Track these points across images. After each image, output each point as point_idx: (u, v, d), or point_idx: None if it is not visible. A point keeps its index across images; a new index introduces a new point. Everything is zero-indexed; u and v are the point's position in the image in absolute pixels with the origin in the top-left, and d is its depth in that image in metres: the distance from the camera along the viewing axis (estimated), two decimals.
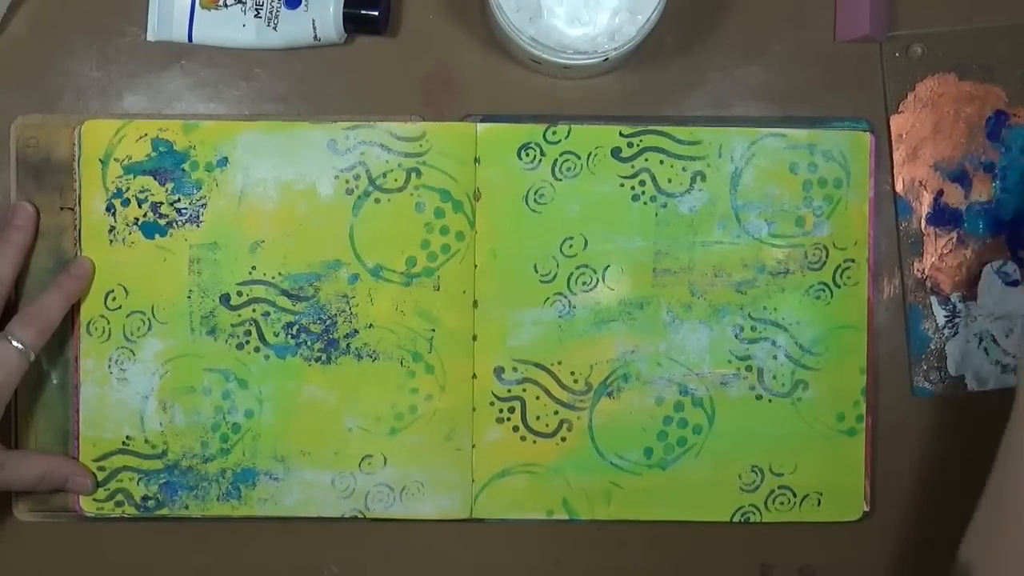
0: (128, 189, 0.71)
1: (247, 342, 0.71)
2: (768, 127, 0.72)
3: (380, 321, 0.72)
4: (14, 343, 0.67)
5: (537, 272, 0.72)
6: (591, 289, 0.72)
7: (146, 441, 0.71)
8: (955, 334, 0.74)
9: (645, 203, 0.72)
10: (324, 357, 0.72)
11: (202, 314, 0.71)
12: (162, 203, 0.71)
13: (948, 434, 0.75)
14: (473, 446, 0.72)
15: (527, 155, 0.72)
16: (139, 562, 0.73)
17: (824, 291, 0.72)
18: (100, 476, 0.71)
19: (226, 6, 0.71)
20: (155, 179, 0.71)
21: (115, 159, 0.71)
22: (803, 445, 0.73)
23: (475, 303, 0.72)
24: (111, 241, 0.71)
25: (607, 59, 0.68)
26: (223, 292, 0.71)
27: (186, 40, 0.72)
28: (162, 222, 0.71)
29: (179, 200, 0.71)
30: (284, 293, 0.71)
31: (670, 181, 0.72)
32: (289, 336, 0.72)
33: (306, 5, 0.70)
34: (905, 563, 0.75)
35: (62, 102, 0.72)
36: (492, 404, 0.72)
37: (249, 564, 0.74)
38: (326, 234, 0.71)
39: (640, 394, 0.72)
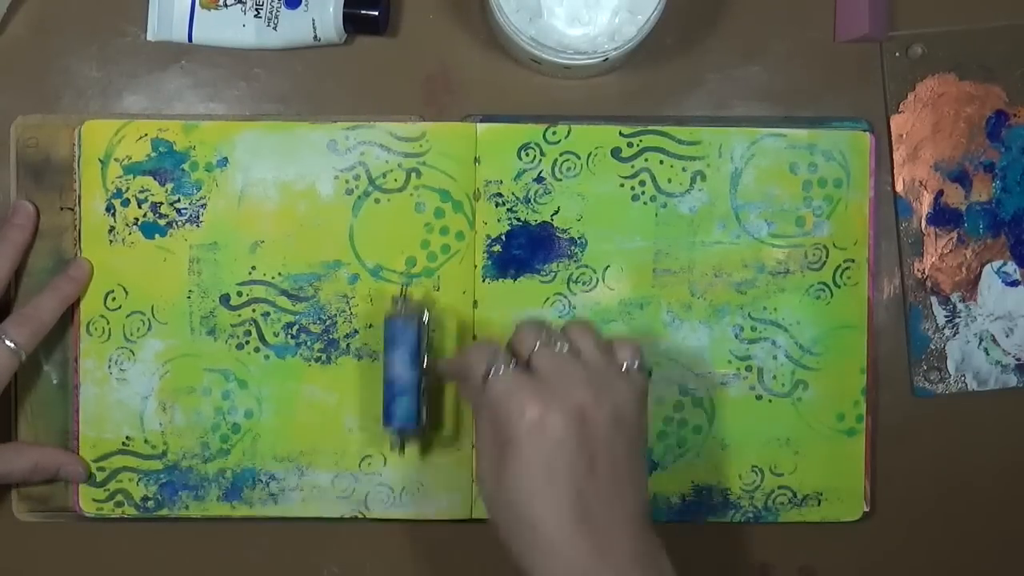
0: (128, 189, 0.71)
1: (247, 342, 0.71)
2: (768, 127, 0.72)
3: (380, 321, 0.71)
4: (7, 342, 0.67)
5: (537, 272, 0.72)
6: (591, 289, 0.72)
7: (146, 441, 0.71)
8: (955, 334, 0.74)
9: (645, 203, 0.72)
10: (324, 357, 0.72)
11: (202, 314, 0.71)
12: (162, 203, 0.71)
13: (948, 434, 0.75)
14: (473, 446, 0.72)
15: (527, 155, 0.72)
16: (139, 562, 0.73)
17: (824, 291, 0.72)
18: (100, 476, 0.71)
19: (226, 6, 0.71)
20: (155, 179, 0.71)
21: (115, 159, 0.71)
22: (803, 445, 0.73)
23: (475, 303, 0.72)
24: (111, 241, 0.71)
25: (607, 59, 0.68)
26: (223, 292, 0.71)
27: (186, 40, 0.72)
28: (162, 222, 0.71)
29: (179, 200, 0.71)
30: (284, 293, 0.71)
31: (670, 181, 0.72)
32: (289, 336, 0.71)
33: (306, 5, 0.70)
34: (905, 563, 0.75)
35: (62, 102, 0.72)
36: None
37: (249, 564, 0.74)
38: (326, 234, 0.71)
39: None
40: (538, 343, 0.62)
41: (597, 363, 0.62)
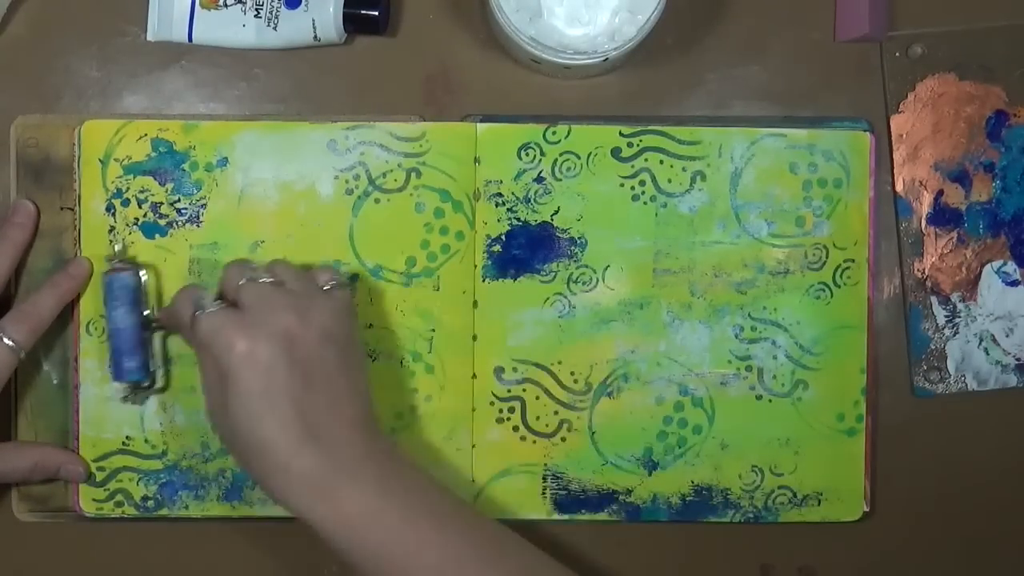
0: (128, 189, 0.71)
1: None
2: (768, 127, 0.72)
3: (380, 321, 0.72)
4: (5, 340, 0.67)
5: (537, 272, 0.72)
6: (591, 289, 0.72)
7: (146, 441, 0.71)
8: (955, 334, 0.74)
9: (645, 203, 0.72)
10: None
11: None
12: (162, 203, 0.71)
13: (948, 434, 0.75)
14: (473, 446, 0.72)
15: (527, 155, 0.72)
16: (139, 562, 0.73)
17: (824, 291, 0.72)
18: (100, 476, 0.71)
19: (226, 6, 0.71)
20: (155, 179, 0.71)
21: (115, 159, 0.71)
22: (803, 445, 0.73)
23: (475, 303, 0.72)
24: (111, 241, 0.71)
25: (607, 59, 0.68)
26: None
27: (186, 40, 0.72)
28: (162, 222, 0.71)
29: (179, 200, 0.71)
30: None
31: (670, 181, 0.72)
32: None
33: (306, 5, 0.70)
34: (905, 563, 0.75)
35: (62, 102, 0.72)
36: (492, 404, 0.72)
37: (249, 564, 0.74)
38: (326, 234, 0.71)
39: (640, 394, 0.72)
40: (243, 279, 0.64)
41: (298, 288, 0.65)
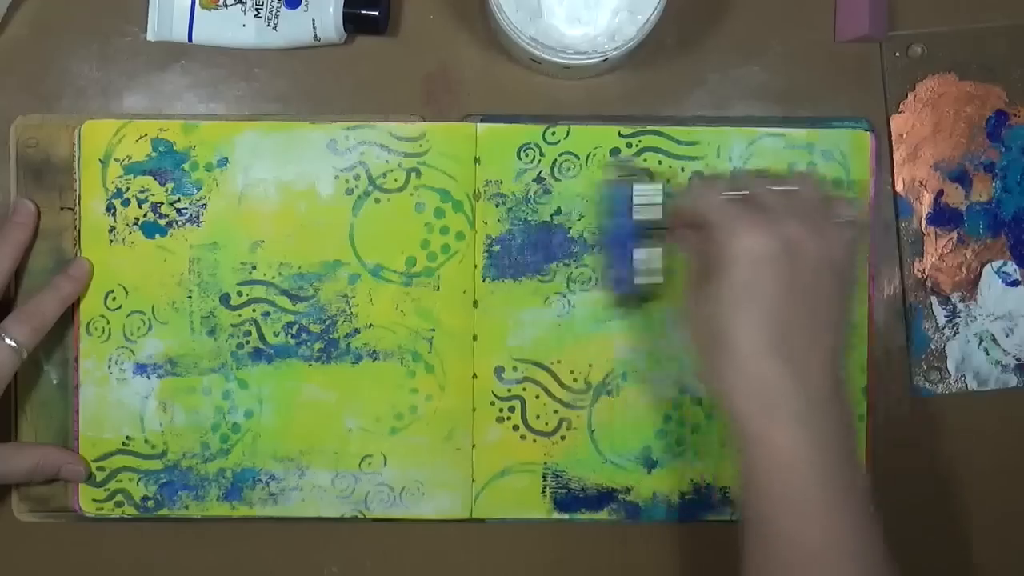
0: (128, 189, 0.71)
1: (247, 342, 0.71)
2: (767, 127, 0.72)
3: (380, 321, 0.72)
4: (7, 340, 0.67)
5: (537, 272, 0.72)
6: (591, 289, 0.72)
7: (146, 441, 0.72)
8: (955, 334, 0.74)
9: None
10: (324, 357, 0.72)
11: (202, 314, 0.71)
12: (162, 203, 0.71)
13: (948, 434, 0.75)
14: (473, 446, 0.72)
15: (526, 155, 0.72)
16: (139, 562, 0.73)
17: None
18: (100, 476, 0.71)
19: (226, 6, 0.71)
20: (155, 179, 0.71)
21: (115, 159, 0.71)
22: None
23: (475, 303, 0.72)
24: (111, 241, 0.71)
25: (607, 59, 0.68)
26: (223, 292, 0.71)
27: (186, 40, 0.72)
28: (162, 222, 0.71)
29: (179, 200, 0.71)
30: (284, 293, 0.71)
31: (669, 181, 0.72)
32: (289, 336, 0.72)
33: (306, 5, 0.70)
34: (905, 563, 0.75)
35: (62, 102, 0.72)
36: (492, 404, 0.72)
37: (249, 564, 0.74)
38: (326, 234, 0.71)
39: (639, 393, 0.72)
40: (762, 182, 0.65)
41: (815, 205, 0.64)
